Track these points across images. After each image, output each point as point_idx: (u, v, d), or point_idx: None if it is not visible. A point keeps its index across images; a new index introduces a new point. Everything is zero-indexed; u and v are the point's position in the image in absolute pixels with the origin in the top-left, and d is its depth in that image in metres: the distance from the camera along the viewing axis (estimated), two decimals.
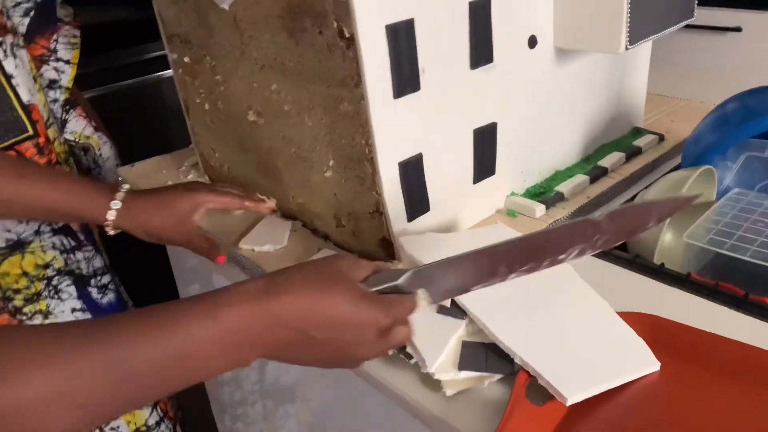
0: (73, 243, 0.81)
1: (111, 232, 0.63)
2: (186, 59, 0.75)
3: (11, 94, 0.73)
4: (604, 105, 0.81)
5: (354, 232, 0.66)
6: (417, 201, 0.62)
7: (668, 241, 0.70)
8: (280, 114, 0.65)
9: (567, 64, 0.72)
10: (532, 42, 0.67)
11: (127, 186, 0.63)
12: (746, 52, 1.91)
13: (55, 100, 0.93)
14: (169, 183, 0.87)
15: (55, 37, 0.92)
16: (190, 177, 0.89)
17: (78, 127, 0.97)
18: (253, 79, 0.66)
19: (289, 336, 0.37)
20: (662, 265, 0.60)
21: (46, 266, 0.77)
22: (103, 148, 1.00)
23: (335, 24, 0.52)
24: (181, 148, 0.98)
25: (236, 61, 0.67)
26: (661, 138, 0.87)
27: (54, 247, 0.78)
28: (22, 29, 0.85)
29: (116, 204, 0.61)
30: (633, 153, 0.82)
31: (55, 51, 0.90)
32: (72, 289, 0.79)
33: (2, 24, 0.75)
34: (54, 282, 0.78)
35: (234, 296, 0.36)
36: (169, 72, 0.93)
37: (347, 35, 0.51)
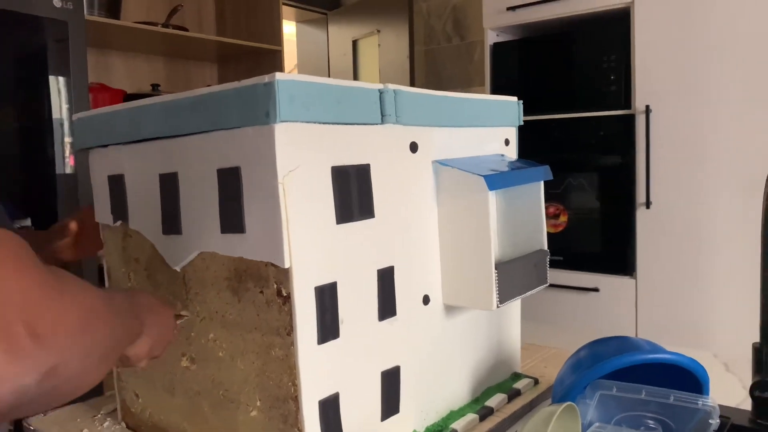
0: None
1: None
2: None
3: None
4: (487, 353, 0.97)
5: None
6: None
7: None
8: (213, 359, 0.75)
9: (454, 318, 0.89)
10: (426, 300, 0.84)
11: None
12: (604, 309, 2.25)
13: None
14: (84, 431, 0.89)
15: None
16: (106, 425, 0.91)
17: None
18: (192, 329, 0.77)
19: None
20: None
21: None
22: None
23: (275, 285, 0.66)
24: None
25: (178, 312, 0.78)
26: (536, 381, 1.02)
27: None
28: None
29: None
30: (514, 394, 0.96)
31: None
32: None
33: None
34: None
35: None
36: None
37: (284, 294, 0.65)
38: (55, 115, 1.73)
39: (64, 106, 1.76)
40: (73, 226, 0.94)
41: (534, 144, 2.31)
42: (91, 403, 0.99)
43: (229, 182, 0.69)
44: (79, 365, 0.43)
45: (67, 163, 1.69)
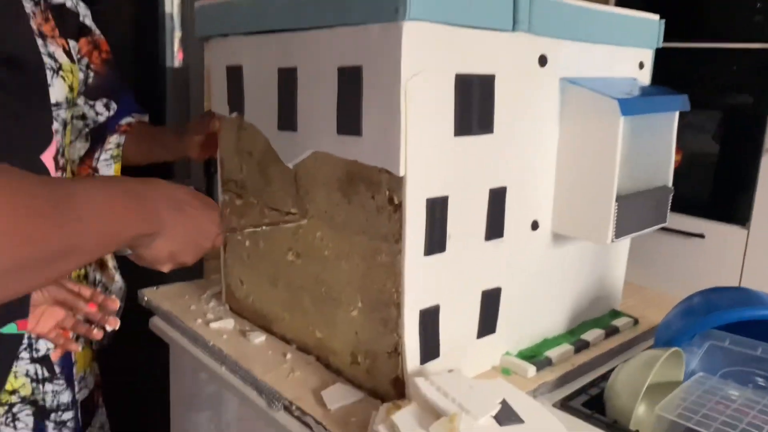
0: (46, 374, 0.83)
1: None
2: (238, 201, 0.87)
3: None
4: (588, 286, 0.94)
5: (368, 369, 0.73)
6: (430, 346, 0.71)
7: (642, 412, 0.78)
8: (319, 258, 0.76)
9: (561, 247, 0.85)
10: (535, 225, 0.80)
11: None
12: (707, 257, 2.12)
13: None
14: (192, 308, 0.95)
15: (97, 155, 0.98)
16: (211, 305, 0.97)
17: None
18: (300, 226, 0.78)
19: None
20: (637, 431, 0.68)
21: (13, 392, 0.80)
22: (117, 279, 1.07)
23: (387, 192, 0.65)
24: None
25: (288, 209, 0.79)
26: (636, 321, 0.98)
27: (27, 374, 0.81)
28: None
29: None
30: (611, 331, 0.93)
31: (96, 170, 0.97)
32: (30, 420, 0.81)
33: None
34: (15, 409, 0.80)
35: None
36: None
37: (396, 202, 0.64)
38: (166, 9, 1.74)
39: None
40: (213, 124, 0.90)
41: (654, 73, 2.12)
42: (198, 283, 1.05)
43: (350, 82, 0.67)
44: None
45: (176, 57, 1.72)
